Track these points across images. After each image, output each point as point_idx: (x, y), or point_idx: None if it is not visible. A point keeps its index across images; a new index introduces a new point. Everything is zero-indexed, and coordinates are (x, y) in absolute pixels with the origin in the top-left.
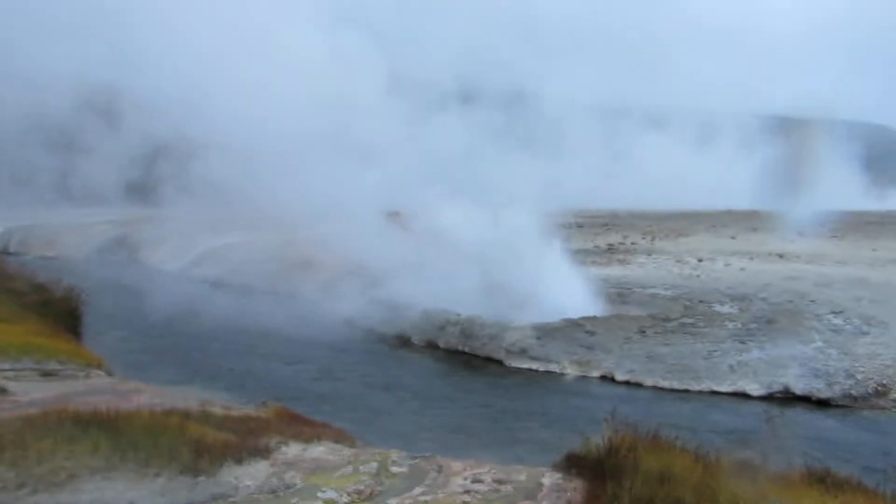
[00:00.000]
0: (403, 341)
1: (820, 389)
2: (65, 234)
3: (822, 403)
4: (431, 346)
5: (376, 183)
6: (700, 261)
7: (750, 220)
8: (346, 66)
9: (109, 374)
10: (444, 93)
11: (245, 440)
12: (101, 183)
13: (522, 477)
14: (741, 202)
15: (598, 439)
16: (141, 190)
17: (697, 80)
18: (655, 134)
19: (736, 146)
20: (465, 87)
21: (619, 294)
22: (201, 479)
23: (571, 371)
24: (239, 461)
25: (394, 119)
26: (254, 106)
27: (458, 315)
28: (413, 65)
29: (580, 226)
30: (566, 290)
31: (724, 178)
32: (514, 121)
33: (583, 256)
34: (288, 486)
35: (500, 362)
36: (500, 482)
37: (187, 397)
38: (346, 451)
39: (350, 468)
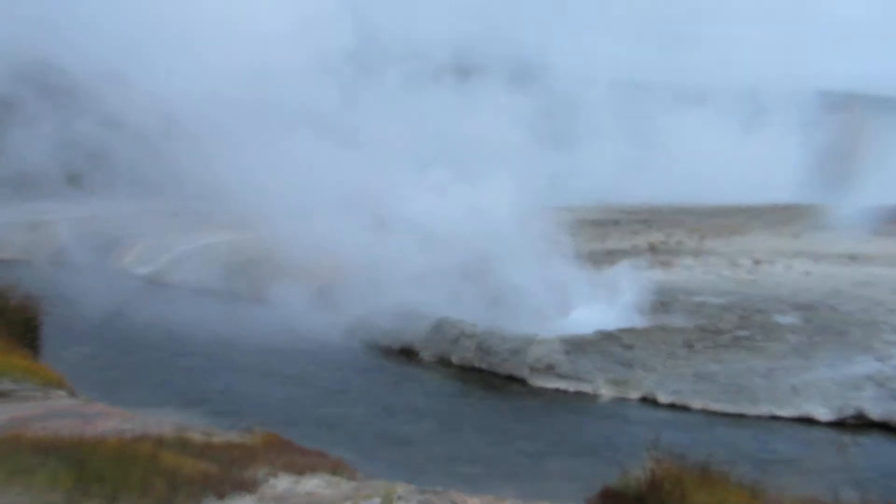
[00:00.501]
0: (410, 356)
1: None
2: (19, 234)
3: None
4: (443, 362)
5: (356, 170)
6: (757, 263)
7: (815, 216)
8: (324, 34)
9: (72, 394)
10: (438, 66)
11: (228, 471)
12: (48, 172)
13: None
14: (802, 194)
15: (638, 471)
16: (95, 181)
17: (742, 53)
18: (694, 115)
19: (793, 128)
20: (461, 60)
21: (661, 302)
22: None
23: (606, 391)
24: (221, 496)
25: (378, 96)
26: (215, 83)
27: (475, 326)
28: (401, 32)
29: (616, 222)
30: (587, 297)
31: (779, 167)
32: (521, 99)
33: (619, 257)
34: None
35: (523, 381)
36: None
37: (161, 422)
38: (345, 485)
39: None
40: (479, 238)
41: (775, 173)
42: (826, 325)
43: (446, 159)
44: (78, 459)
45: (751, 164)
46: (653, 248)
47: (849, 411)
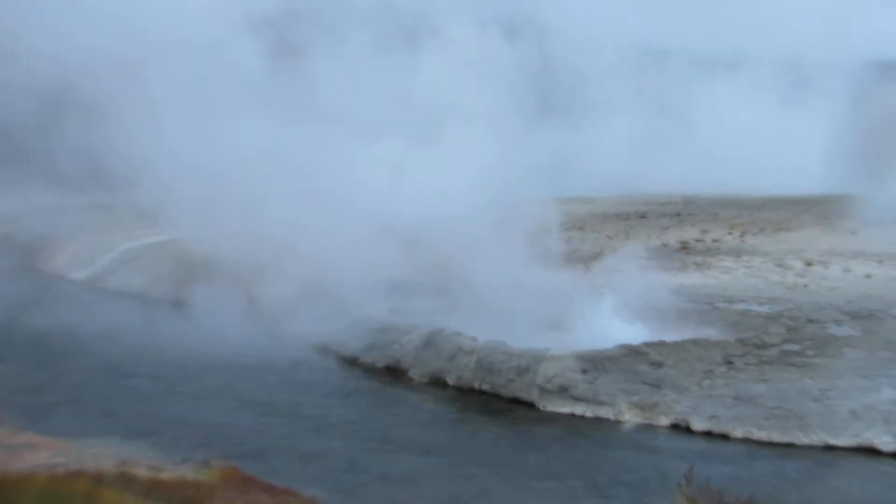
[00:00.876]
0: (397, 376)
1: None
2: None
3: None
4: (437, 383)
5: (306, 148)
6: (809, 265)
7: (876, 209)
8: None
9: None
10: (402, 20)
11: None
12: None
13: None
14: (859, 183)
15: None
16: (21, 168)
17: (781, 12)
18: (725, 87)
19: (845, 104)
20: (432, 12)
21: (696, 310)
22: None
23: (631, 417)
24: None
25: (338, 60)
26: (139, 50)
27: (474, 341)
28: None
29: (642, 216)
30: (605, 305)
31: (832, 150)
32: (514, 66)
33: (646, 257)
34: None
35: (531, 405)
36: None
37: (101, 454)
38: None
39: None
40: (447, 233)
41: (828, 158)
42: (890, 337)
43: (408, 134)
44: (2, 498)
45: (797, 147)
46: (686, 247)
47: None
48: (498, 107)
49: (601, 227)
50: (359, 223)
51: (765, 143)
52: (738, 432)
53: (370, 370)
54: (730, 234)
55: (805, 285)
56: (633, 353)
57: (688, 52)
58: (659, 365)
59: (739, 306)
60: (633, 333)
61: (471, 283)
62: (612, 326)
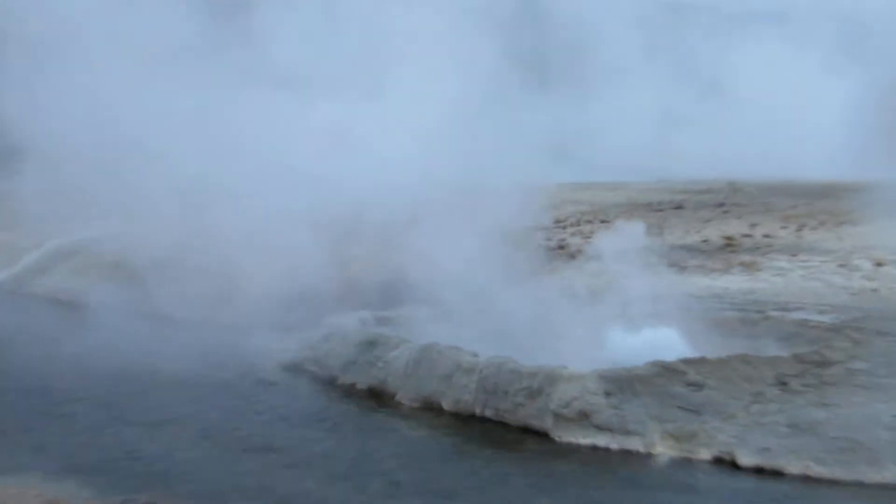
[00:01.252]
0: (384, 399)
1: None
2: None
3: None
4: (430, 408)
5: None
6: (879, 265)
7: None
8: None
9: None
10: None
11: None
12: None
13: None
14: None
15: None
16: None
17: None
18: (765, 48)
19: None
20: None
21: (743, 320)
22: None
23: (664, 449)
24: None
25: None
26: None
27: (475, 357)
28: None
29: (678, 206)
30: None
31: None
32: (512, 25)
33: (683, 257)
34: None
35: (544, 435)
36: None
37: (24, 495)
38: None
39: None
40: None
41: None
42: None
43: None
44: None
45: (859, 120)
46: (731, 244)
47: None
48: (471, 61)
49: (629, 218)
50: (312, 211)
51: (818, 115)
52: (793, 468)
53: (350, 392)
54: (784, 228)
55: (874, 290)
56: (667, 371)
57: (720, 4)
58: (699, 386)
59: (795, 315)
60: (668, 348)
61: (452, 284)
62: (641, 339)
